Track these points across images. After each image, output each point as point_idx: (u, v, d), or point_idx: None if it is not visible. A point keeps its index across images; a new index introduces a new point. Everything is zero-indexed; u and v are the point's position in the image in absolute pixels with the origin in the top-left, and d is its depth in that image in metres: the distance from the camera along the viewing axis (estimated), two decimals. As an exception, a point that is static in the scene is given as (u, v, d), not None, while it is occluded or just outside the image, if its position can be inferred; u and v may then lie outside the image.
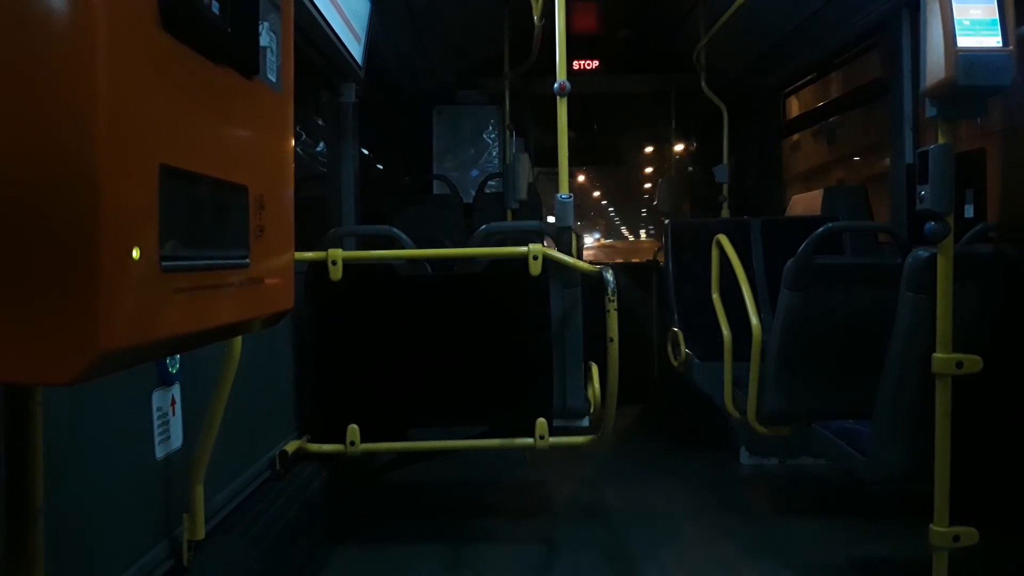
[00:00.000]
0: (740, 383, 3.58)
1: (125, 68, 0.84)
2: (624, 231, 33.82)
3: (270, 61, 1.22)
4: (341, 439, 3.00)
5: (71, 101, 0.80)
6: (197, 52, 0.98)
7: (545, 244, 3.10)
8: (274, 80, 1.24)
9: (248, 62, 1.12)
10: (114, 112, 0.82)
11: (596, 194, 30.29)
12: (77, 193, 0.79)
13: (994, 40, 2.11)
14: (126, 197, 0.83)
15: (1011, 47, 2.10)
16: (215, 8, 0.99)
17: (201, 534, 2.08)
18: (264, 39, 1.19)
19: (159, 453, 1.98)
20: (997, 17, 2.12)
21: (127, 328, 0.84)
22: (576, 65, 6.75)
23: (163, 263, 0.90)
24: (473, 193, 6.60)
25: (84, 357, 0.80)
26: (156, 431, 1.97)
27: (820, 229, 3.12)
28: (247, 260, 1.14)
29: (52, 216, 0.79)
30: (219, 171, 1.05)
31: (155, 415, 1.97)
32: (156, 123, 0.90)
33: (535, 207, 6.09)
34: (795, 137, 7.18)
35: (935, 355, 2.24)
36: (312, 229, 3.65)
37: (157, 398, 1.97)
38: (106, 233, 0.80)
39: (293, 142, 1.34)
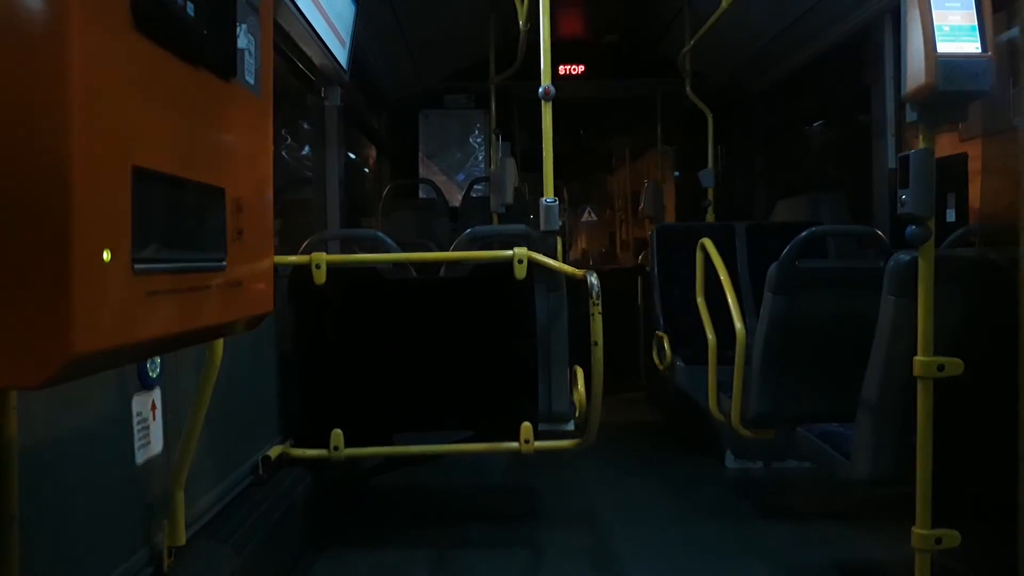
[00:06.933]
0: (725, 387, 3.59)
1: (97, 70, 0.83)
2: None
3: (248, 63, 1.21)
4: (325, 444, 2.98)
5: (43, 103, 0.79)
6: (172, 54, 0.97)
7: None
8: (252, 82, 1.23)
9: (225, 64, 1.12)
10: (86, 114, 0.81)
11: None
12: (47, 195, 0.78)
13: (973, 46, 2.12)
14: (97, 199, 0.82)
15: (990, 53, 2.11)
16: (190, 10, 0.98)
17: (182, 540, 2.06)
18: (242, 41, 1.18)
19: (139, 458, 1.96)
20: (976, 24, 2.14)
21: (99, 331, 0.83)
22: (562, 70, 6.76)
23: (136, 265, 0.89)
24: (459, 197, 6.60)
25: (55, 360, 0.79)
26: (136, 436, 1.95)
27: (803, 233, 3.13)
28: (224, 263, 1.13)
29: (21, 218, 0.78)
30: (195, 173, 1.04)
31: (135, 419, 1.95)
32: (129, 125, 0.89)
33: (521, 211, 6.10)
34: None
35: (916, 358, 2.25)
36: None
37: (137, 402, 1.95)
38: (76, 235, 0.79)
39: (272, 145, 1.33)
